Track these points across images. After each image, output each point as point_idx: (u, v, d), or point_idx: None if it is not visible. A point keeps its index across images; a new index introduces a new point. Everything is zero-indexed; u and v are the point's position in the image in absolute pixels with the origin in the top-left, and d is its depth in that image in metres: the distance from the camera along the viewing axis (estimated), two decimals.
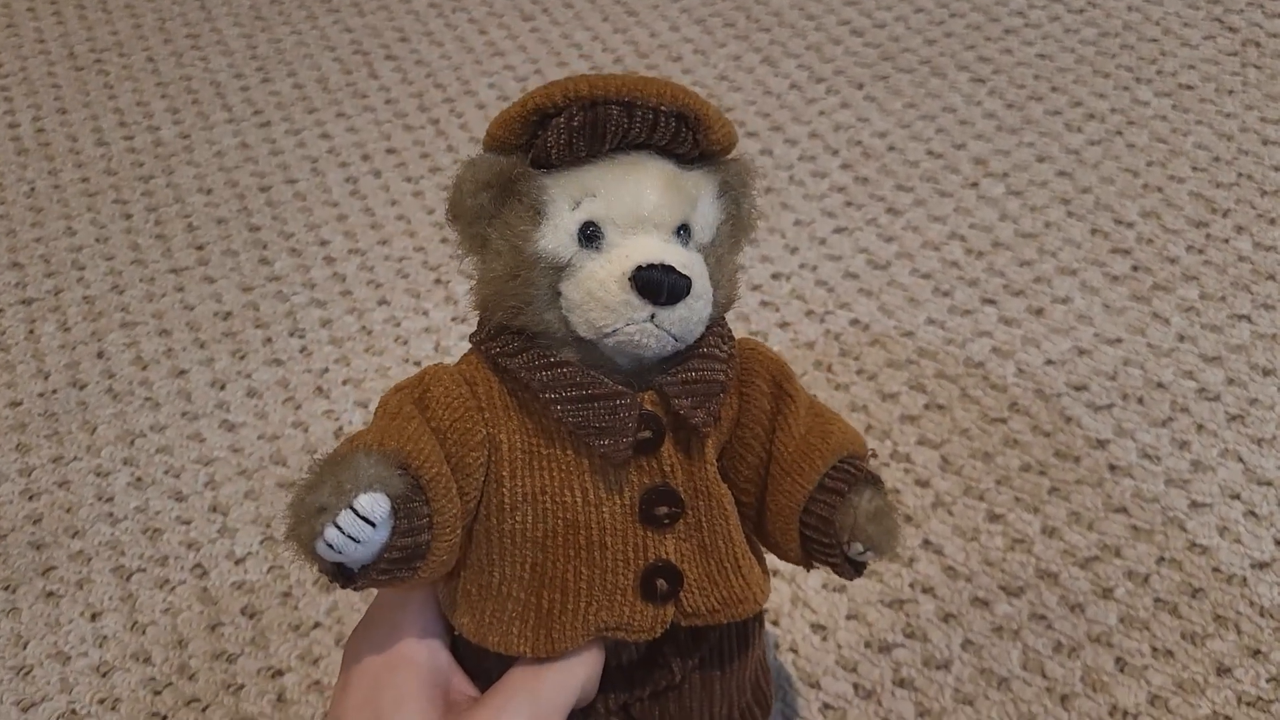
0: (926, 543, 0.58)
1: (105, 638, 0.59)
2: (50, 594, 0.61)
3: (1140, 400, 0.63)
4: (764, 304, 0.71)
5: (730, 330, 0.39)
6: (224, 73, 0.96)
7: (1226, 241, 0.71)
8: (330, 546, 0.32)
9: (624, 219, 0.35)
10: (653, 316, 0.35)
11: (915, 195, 0.77)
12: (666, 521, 0.37)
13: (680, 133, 0.36)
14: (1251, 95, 0.81)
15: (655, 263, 0.34)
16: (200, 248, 0.80)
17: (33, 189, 0.86)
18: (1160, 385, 0.64)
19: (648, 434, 0.36)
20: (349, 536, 0.32)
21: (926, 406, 0.64)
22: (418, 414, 0.36)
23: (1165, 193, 0.75)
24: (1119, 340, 0.66)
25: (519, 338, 0.36)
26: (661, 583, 0.37)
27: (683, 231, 0.36)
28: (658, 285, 0.34)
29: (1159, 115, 0.80)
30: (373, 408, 0.66)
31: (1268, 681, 0.51)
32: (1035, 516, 0.58)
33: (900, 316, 0.69)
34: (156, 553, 0.62)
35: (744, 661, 0.42)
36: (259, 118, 0.91)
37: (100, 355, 0.73)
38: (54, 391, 0.71)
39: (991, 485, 0.60)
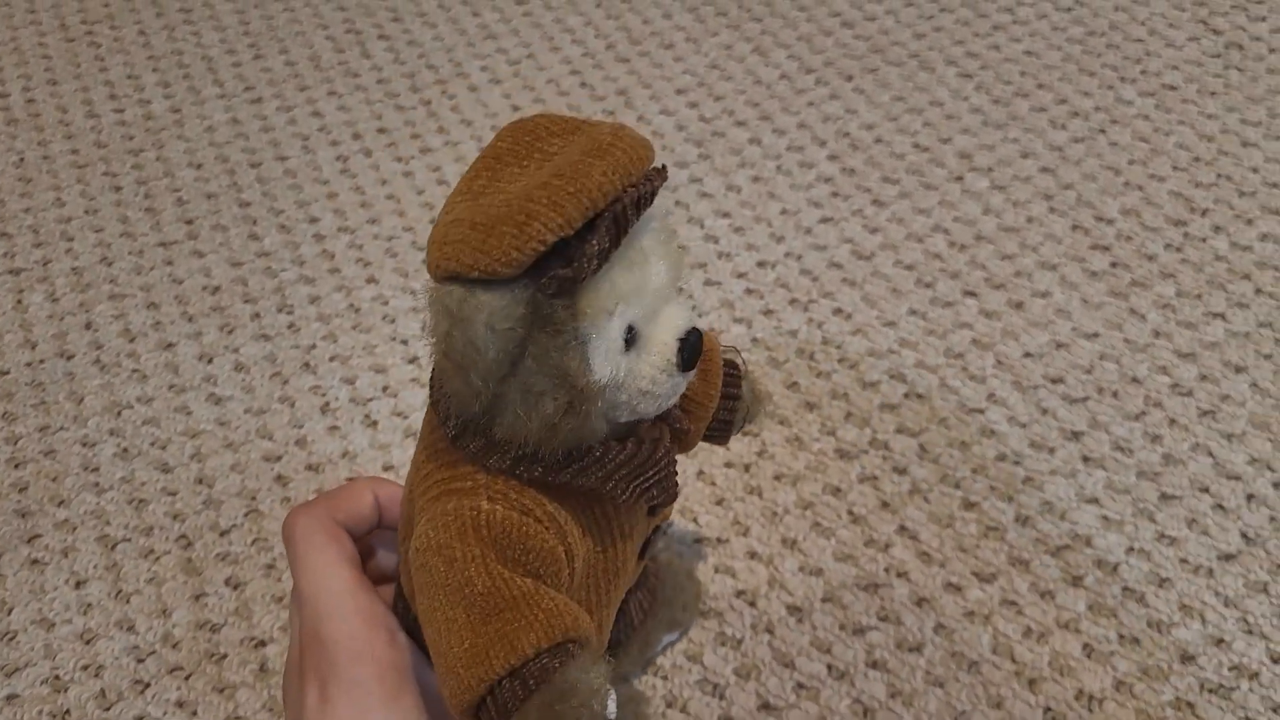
0: (902, 528, 0.59)
1: (89, 605, 0.59)
2: (35, 561, 0.61)
3: (1115, 394, 0.64)
4: (749, 291, 0.72)
5: None
6: (216, 47, 0.96)
7: (1204, 240, 0.72)
8: None
9: (650, 307, 0.34)
10: (686, 377, 0.36)
11: (901, 188, 0.78)
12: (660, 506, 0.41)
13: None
14: (1233, 97, 0.82)
15: (688, 335, 0.35)
16: (190, 222, 0.80)
17: (22, 159, 0.86)
18: (1135, 380, 0.65)
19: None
20: None
21: (906, 395, 0.65)
22: (518, 578, 0.34)
23: (1145, 191, 0.76)
24: (1096, 335, 0.67)
25: (555, 452, 0.35)
26: (651, 542, 0.42)
27: None
28: (698, 354, 0.35)
29: (1142, 114, 0.82)
30: (360, 385, 0.67)
31: (1230, 670, 0.53)
32: (1009, 505, 0.60)
33: (883, 306, 0.70)
34: (142, 523, 0.62)
35: None
36: (250, 94, 0.91)
37: (88, 326, 0.73)
38: (41, 361, 0.71)
39: (967, 473, 0.61)
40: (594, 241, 0.31)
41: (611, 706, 0.32)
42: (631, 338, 0.34)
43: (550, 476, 0.35)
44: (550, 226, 0.30)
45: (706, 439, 0.46)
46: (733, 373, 0.45)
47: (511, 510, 0.35)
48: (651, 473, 0.37)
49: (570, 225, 0.31)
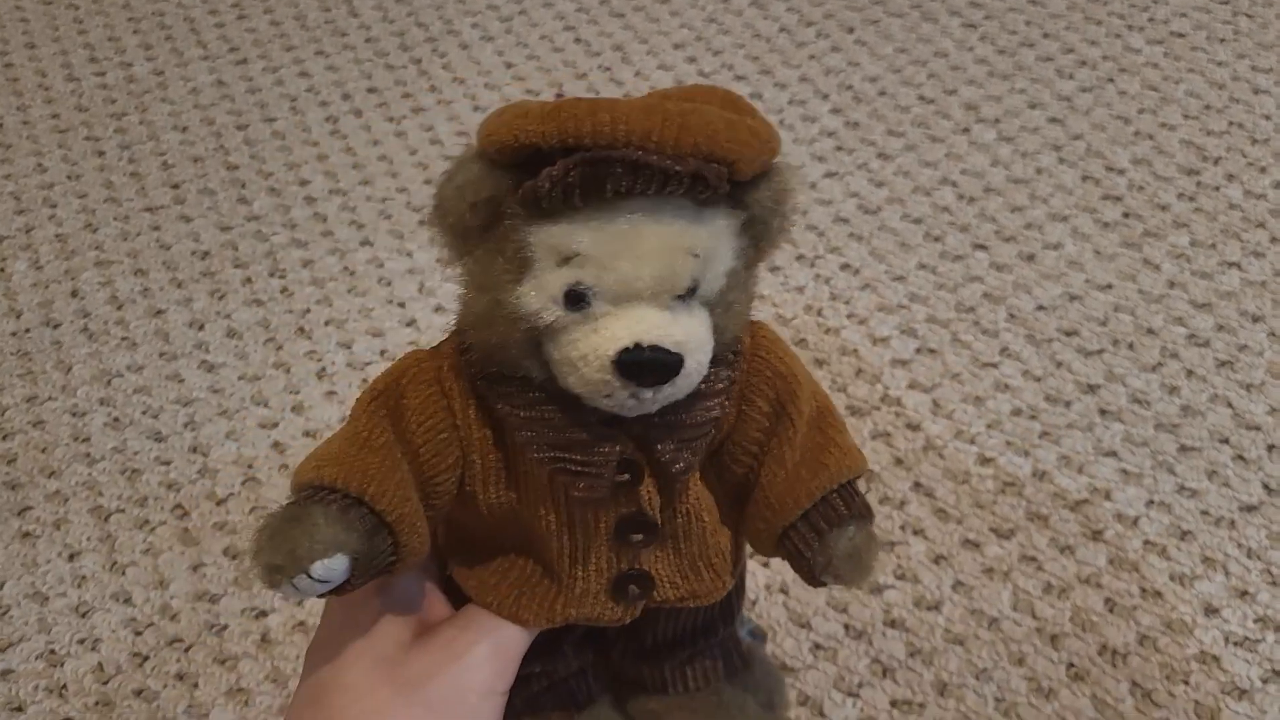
0: (917, 485, 0.58)
1: (84, 578, 0.57)
2: (27, 534, 0.59)
3: (1130, 346, 0.63)
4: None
5: (738, 348, 0.36)
6: (198, 8, 0.93)
7: (1217, 189, 0.71)
8: (294, 590, 0.32)
9: (616, 291, 0.31)
10: (635, 393, 0.32)
11: (906, 140, 0.76)
12: (640, 542, 0.37)
13: (696, 187, 0.31)
14: (1243, 44, 0.80)
15: (645, 344, 0.31)
16: (176, 186, 0.78)
17: (0, 125, 0.83)
18: (1150, 331, 0.63)
19: (625, 477, 0.35)
20: (307, 590, 0.32)
21: (918, 351, 0.64)
22: (389, 435, 0.34)
23: (1156, 140, 0.74)
24: (1110, 286, 0.66)
25: (488, 359, 0.34)
26: (633, 588, 0.37)
27: (688, 294, 0.32)
28: (643, 371, 0.31)
29: (1150, 63, 0.80)
30: (357, 349, 0.65)
31: (1255, 622, 0.52)
32: (1026, 460, 0.58)
33: (891, 261, 0.69)
34: (135, 493, 0.61)
35: None
36: (235, 54, 0.88)
37: (74, 294, 0.71)
38: (27, 330, 0.69)
39: (982, 429, 0.60)
40: (555, 169, 0.30)
41: (320, 569, 0.32)
42: (579, 299, 0.31)
43: (483, 387, 0.34)
44: (532, 125, 0.30)
45: (790, 560, 0.38)
46: (838, 500, 0.37)
47: (434, 381, 0.35)
48: (577, 458, 0.34)
49: (546, 139, 0.30)
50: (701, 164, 0.31)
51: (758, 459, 0.37)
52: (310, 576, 0.31)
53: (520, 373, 0.33)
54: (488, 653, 0.37)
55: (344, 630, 0.37)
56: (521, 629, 0.38)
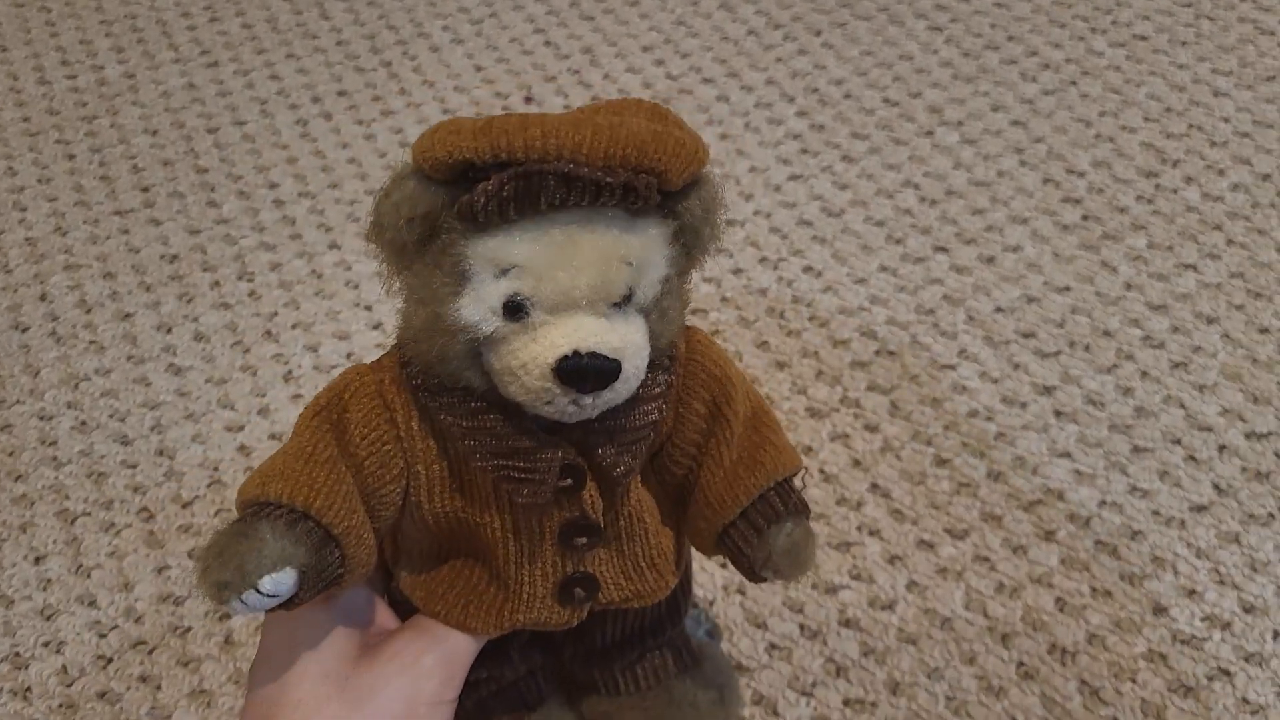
0: (874, 486, 0.58)
1: (49, 581, 0.58)
2: None
3: (1087, 347, 0.64)
4: (717, 250, 0.70)
5: (673, 353, 0.37)
6: (170, 11, 0.93)
7: (1175, 192, 0.72)
8: (242, 606, 0.32)
9: (554, 300, 0.32)
10: (575, 399, 0.33)
11: (870, 143, 0.77)
12: (584, 546, 0.38)
13: (628, 197, 0.32)
14: (1204, 46, 0.81)
15: (583, 351, 0.32)
16: (146, 189, 0.78)
17: None
18: (1107, 333, 0.64)
19: (568, 482, 0.36)
20: (255, 605, 0.32)
21: (877, 352, 0.64)
22: (333, 449, 0.35)
23: (1117, 142, 0.75)
24: (1067, 288, 0.67)
25: (430, 371, 0.35)
26: (579, 590, 0.38)
27: (623, 301, 0.33)
28: (582, 377, 0.32)
29: (1113, 65, 0.81)
30: (323, 352, 0.66)
31: (1202, 620, 0.53)
32: (981, 461, 0.59)
33: (853, 263, 0.69)
34: (101, 496, 0.61)
35: None
36: (206, 58, 0.89)
37: (43, 298, 0.71)
38: None
39: (939, 430, 0.61)
40: (490, 184, 0.31)
41: (268, 584, 0.32)
42: (518, 309, 0.32)
43: (426, 398, 0.35)
44: (465, 141, 0.31)
45: (730, 557, 0.39)
46: (776, 497, 0.38)
47: (376, 394, 0.36)
48: (520, 465, 0.35)
49: (479, 154, 0.31)
50: (632, 175, 0.32)
51: (696, 460, 0.39)
52: (259, 591, 0.32)
53: (462, 384, 0.35)
54: (435, 663, 0.38)
55: (288, 646, 0.37)
56: (469, 637, 0.39)
